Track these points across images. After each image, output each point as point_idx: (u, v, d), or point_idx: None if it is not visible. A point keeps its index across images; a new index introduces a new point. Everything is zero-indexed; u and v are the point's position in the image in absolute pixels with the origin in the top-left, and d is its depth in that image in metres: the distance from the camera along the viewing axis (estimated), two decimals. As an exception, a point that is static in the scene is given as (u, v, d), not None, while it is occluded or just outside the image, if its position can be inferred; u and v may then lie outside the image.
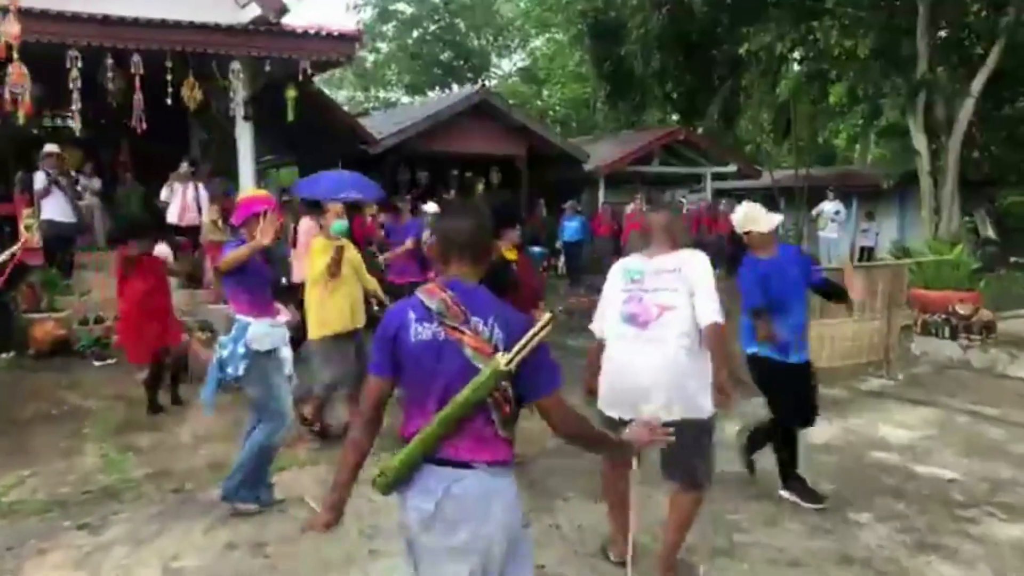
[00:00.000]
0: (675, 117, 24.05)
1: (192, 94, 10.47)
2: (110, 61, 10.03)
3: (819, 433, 5.50)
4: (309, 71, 11.26)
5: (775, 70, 18.98)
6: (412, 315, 2.26)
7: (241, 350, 4.28)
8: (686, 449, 3.38)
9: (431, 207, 9.92)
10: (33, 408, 6.79)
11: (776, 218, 4.64)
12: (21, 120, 8.95)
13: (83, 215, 10.89)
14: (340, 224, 5.82)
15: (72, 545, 4.12)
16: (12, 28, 7.02)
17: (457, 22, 31.69)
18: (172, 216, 10.80)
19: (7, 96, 8.42)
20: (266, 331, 4.38)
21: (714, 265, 3.75)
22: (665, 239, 3.73)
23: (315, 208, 8.13)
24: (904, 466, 5.36)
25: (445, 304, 2.22)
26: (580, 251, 15.38)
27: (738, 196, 21.08)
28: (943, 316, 9.11)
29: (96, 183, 11.93)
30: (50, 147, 10.19)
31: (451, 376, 2.19)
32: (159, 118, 10.82)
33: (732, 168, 20.07)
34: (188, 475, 5.17)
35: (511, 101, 22.32)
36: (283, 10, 11.21)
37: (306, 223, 8.38)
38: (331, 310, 5.73)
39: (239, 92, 11.10)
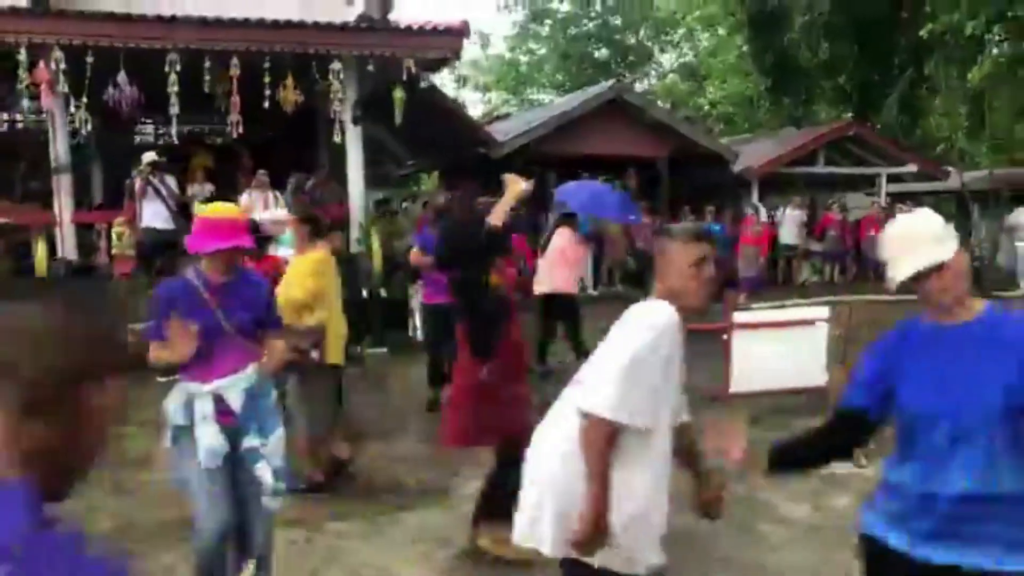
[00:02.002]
0: (850, 113, 21.63)
1: (288, 96, 10.04)
2: (208, 64, 9.82)
3: None
4: (414, 69, 10.60)
5: (966, 55, 16.41)
6: None
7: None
8: None
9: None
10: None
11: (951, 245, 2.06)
12: None
13: (186, 222, 10.76)
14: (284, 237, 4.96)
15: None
16: None
17: (612, 19, 30.33)
18: None
19: None
20: (180, 398, 3.16)
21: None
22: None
23: (570, 218, 8.21)
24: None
25: None
26: (720, 262, 13.74)
27: (921, 200, 18.60)
28: None
29: (208, 189, 11.83)
30: (147, 155, 10.07)
31: None
32: (291, 124, 10.49)
33: (912, 168, 17.58)
34: (153, 532, 4.44)
35: (668, 100, 20.87)
36: (388, 7, 10.57)
37: (565, 232, 8.09)
38: None
39: (346, 94, 10.62)
